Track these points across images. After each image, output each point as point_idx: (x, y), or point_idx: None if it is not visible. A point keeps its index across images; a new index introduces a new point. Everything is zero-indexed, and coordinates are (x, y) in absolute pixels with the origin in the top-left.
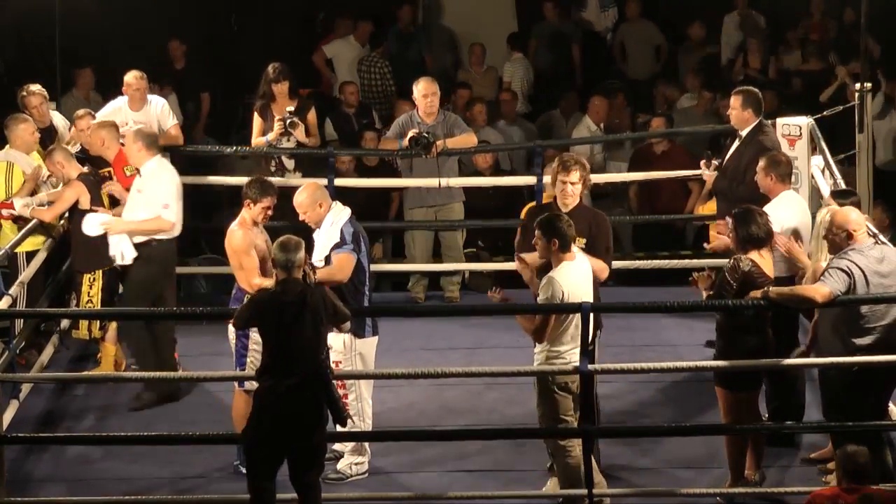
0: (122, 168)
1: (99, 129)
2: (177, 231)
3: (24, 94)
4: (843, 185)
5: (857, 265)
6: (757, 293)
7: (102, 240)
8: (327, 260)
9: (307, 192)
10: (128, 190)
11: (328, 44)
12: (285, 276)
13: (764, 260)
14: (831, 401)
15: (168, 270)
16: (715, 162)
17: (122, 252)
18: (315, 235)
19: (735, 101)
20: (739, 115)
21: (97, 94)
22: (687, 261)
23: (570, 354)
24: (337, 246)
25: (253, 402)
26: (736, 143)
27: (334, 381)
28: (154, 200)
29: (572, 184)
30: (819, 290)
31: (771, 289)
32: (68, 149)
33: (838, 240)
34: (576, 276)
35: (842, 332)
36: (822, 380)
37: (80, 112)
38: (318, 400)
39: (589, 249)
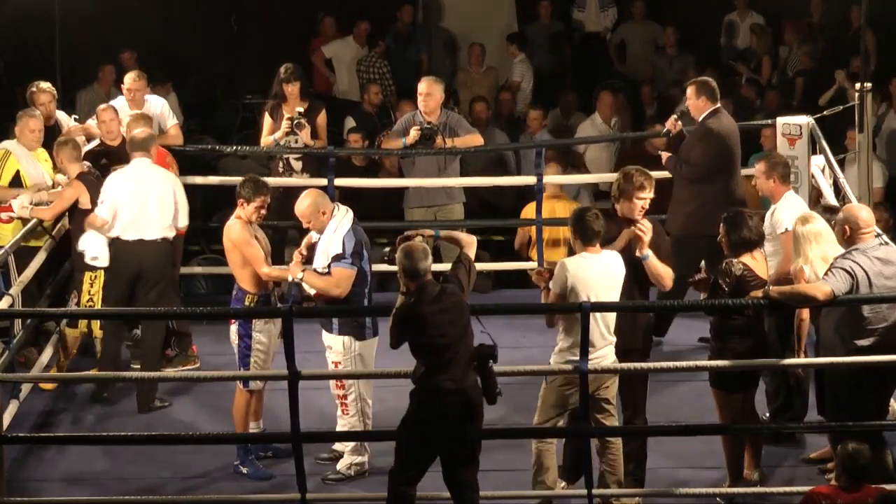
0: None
1: (134, 122)
2: (117, 231)
3: (34, 90)
4: (845, 185)
5: (860, 266)
6: (757, 293)
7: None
8: (329, 267)
9: (309, 201)
10: None
11: (327, 44)
12: (416, 283)
13: (756, 262)
14: (832, 401)
15: (135, 271)
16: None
17: (86, 251)
18: (315, 238)
19: (690, 91)
20: (695, 104)
21: (117, 92)
22: None
23: (575, 354)
24: (337, 258)
25: (411, 403)
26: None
27: (347, 381)
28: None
29: (650, 199)
30: (821, 289)
31: (771, 288)
32: (79, 144)
33: (845, 237)
34: (591, 269)
35: (844, 333)
36: (824, 380)
37: (104, 106)
38: (478, 396)
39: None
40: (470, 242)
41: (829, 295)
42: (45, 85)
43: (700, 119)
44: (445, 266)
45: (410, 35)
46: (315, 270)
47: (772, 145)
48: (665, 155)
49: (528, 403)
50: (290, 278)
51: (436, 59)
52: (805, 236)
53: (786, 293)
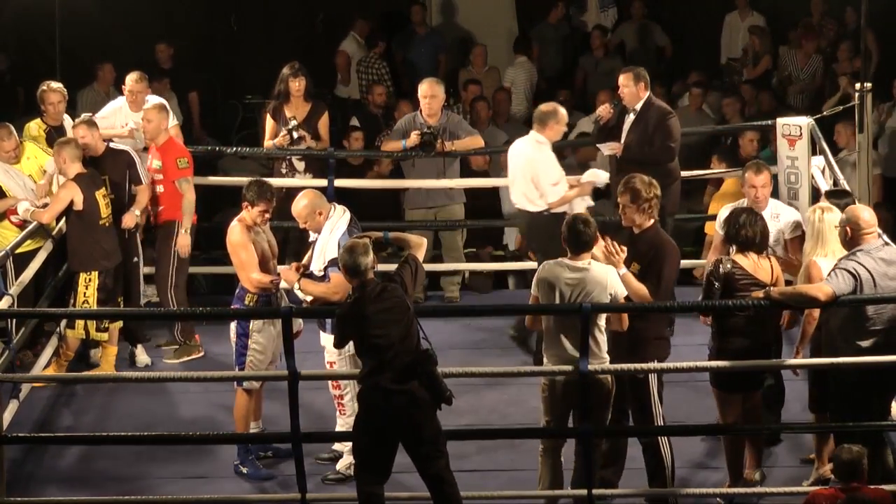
0: (176, 160)
1: (154, 111)
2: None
3: (45, 89)
4: (845, 186)
5: (864, 267)
6: (759, 293)
7: (98, 241)
8: (326, 271)
9: (305, 202)
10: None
11: (342, 44)
12: (357, 280)
13: (753, 263)
14: (836, 401)
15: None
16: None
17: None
18: (312, 238)
19: (626, 79)
20: (632, 91)
21: (116, 91)
22: (684, 260)
23: (548, 355)
24: (333, 262)
25: (359, 405)
26: (630, 117)
27: (342, 381)
28: None
29: (623, 204)
30: (822, 290)
31: (773, 288)
32: (78, 146)
33: (847, 238)
34: (558, 276)
35: (848, 333)
36: (827, 380)
37: (77, 121)
38: (423, 393)
39: (643, 273)
40: (419, 244)
41: (830, 296)
42: (56, 85)
43: (639, 105)
44: (445, 266)
45: (425, 35)
46: (311, 274)
47: (753, 150)
48: (613, 146)
49: (529, 403)
50: (284, 284)
51: (448, 59)
52: (830, 224)
53: (787, 294)
